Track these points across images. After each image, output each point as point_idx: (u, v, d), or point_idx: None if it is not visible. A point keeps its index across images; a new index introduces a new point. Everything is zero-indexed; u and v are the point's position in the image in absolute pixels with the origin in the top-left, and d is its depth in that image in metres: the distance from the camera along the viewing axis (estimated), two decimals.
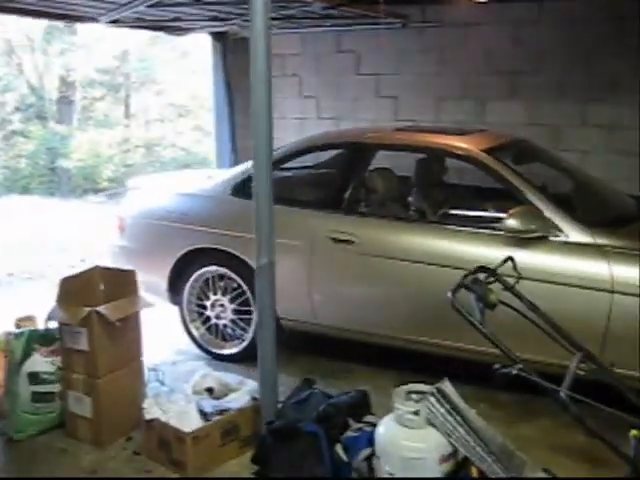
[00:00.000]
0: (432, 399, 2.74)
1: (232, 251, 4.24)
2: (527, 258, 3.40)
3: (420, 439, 2.74)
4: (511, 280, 2.84)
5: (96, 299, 3.54)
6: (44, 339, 3.48)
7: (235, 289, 4.34)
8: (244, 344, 4.35)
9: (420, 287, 3.72)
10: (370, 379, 3.98)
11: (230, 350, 4.41)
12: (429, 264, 3.66)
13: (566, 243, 3.44)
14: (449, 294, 2.63)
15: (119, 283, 3.58)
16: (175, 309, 4.61)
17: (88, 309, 3.28)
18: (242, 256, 4.17)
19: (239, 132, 7.06)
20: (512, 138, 4.36)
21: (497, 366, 2.48)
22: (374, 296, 3.90)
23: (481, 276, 2.77)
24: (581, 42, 5.53)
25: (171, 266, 4.45)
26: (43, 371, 3.44)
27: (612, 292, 3.27)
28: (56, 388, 3.46)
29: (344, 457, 2.94)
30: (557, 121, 5.75)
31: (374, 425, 2.96)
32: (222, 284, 4.40)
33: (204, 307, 4.48)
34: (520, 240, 3.47)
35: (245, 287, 4.25)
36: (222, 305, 4.42)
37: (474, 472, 2.73)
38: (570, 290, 3.36)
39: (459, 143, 3.91)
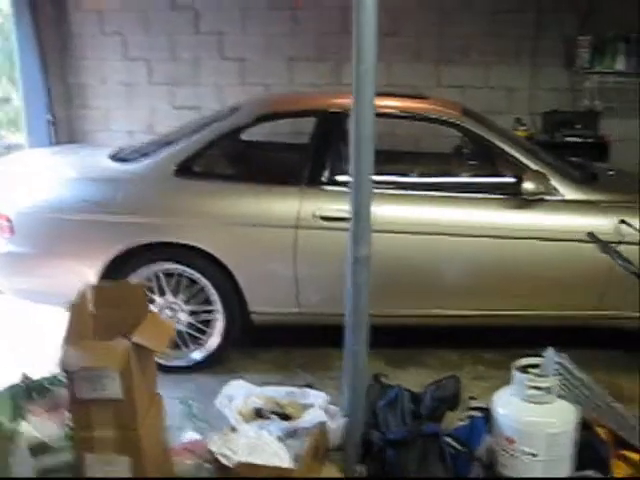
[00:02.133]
0: (562, 370, 2.68)
1: (189, 242, 3.56)
2: (534, 219, 3.50)
3: (557, 413, 2.66)
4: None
5: (87, 329, 2.67)
6: (35, 393, 2.54)
7: (188, 286, 3.67)
8: (207, 350, 3.72)
9: (432, 257, 3.57)
10: None
11: (187, 360, 3.72)
12: (441, 234, 3.52)
13: (566, 201, 3.58)
14: None
15: (117, 300, 2.75)
16: None
17: (125, 342, 2.46)
18: (201, 246, 3.53)
19: (57, 101, 5.87)
20: (461, 105, 4.35)
21: None
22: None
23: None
24: (435, 6, 5.75)
25: (99, 270, 3.57)
26: (50, 438, 2.51)
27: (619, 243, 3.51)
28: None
29: (460, 449, 2.73)
30: (414, 82, 5.91)
31: (483, 410, 2.79)
32: (170, 283, 3.67)
33: None
34: (520, 202, 3.53)
35: (205, 282, 3.61)
36: (173, 308, 3.70)
37: (601, 433, 2.75)
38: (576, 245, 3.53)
39: (447, 109, 3.80)
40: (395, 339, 3.88)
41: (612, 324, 3.71)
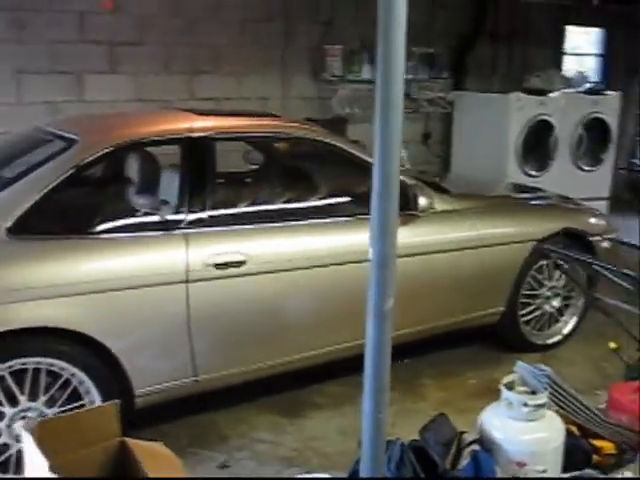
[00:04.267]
0: (550, 383, 2.68)
1: (50, 324, 2.61)
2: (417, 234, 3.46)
3: (551, 424, 2.65)
4: None
5: None
6: None
7: (49, 383, 2.69)
8: None
9: (329, 290, 3.23)
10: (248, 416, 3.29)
11: None
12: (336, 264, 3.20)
13: (437, 213, 3.56)
14: None
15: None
16: None
17: None
18: (69, 327, 2.64)
19: None
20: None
21: None
22: (275, 319, 3.13)
23: None
24: (183, 13, 5.24)
25: None
26: None
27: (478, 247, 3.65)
28: None
29: None
30: (166, 95, 5.32)
31: (476, 442, 2.64)
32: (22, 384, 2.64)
33: None
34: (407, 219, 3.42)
35: (74, 371, 2.67)
36: (30, 416, 2.66)
37: (574, 430, 2.83)
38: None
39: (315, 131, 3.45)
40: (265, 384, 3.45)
41: (472, 324, 3.86)
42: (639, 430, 2.93)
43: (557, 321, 4.12)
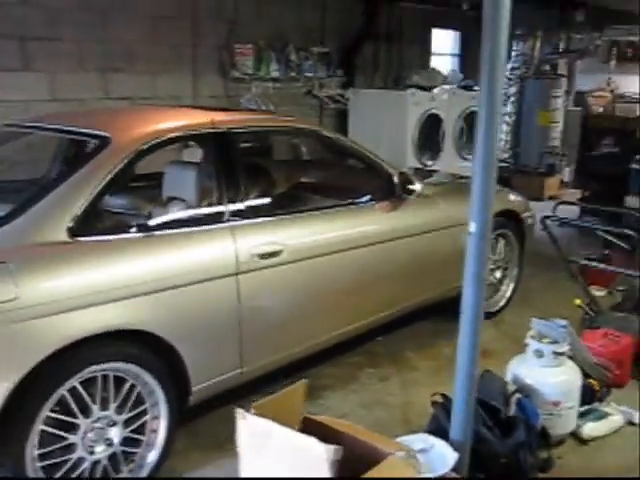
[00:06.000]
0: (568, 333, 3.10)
1: (124, 327, 2.52)
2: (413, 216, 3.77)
3: (572, 368, 3.09)
4: None
5: None
6: None
7: (119, 390, 2.58)
8: (148, 466, 2.70)
9: (357, 271, 3.43)
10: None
11: None
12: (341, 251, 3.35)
13: (420, 196, 3.85)
14: None
15: None
16: None
17: None
18: (140, 327, 2.56)
19: None
20: None
21: None
22: (312, 303, 3.24)
23: None
24: (96, 6, 5.00)
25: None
26: None
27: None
28: None
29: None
30: (81, 94, 5.05)
31: (517, 391, 2.99)
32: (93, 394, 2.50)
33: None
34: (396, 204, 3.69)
35: (140, 374, 2.60)
36: (97, 427, 2.53)
37: (594, 384, 3.29)
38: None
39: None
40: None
41: (443, 297, 4.23)
42: (613, 370, 3.50)
43: (498, 290, 4.63)
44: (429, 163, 6.47)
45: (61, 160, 3.64)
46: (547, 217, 3.97)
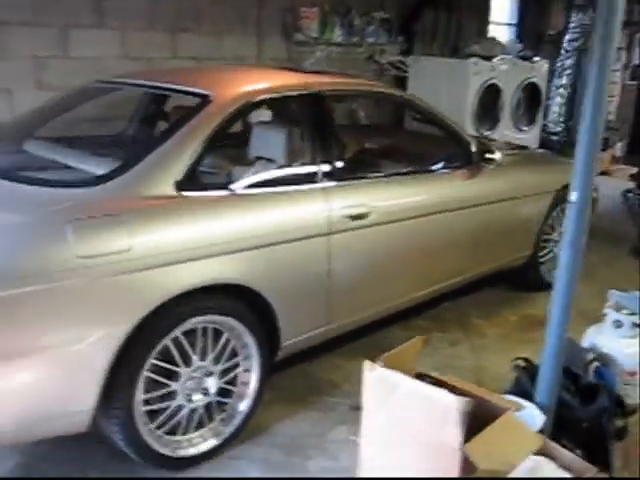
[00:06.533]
0: None
1: (228, 281, 2.61)
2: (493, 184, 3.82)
3: None
4: None
5: None
6: None
7: (216, 343, 2.67)
8: (238, 418, 2.81)
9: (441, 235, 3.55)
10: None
11: (202, 445, 2.70)
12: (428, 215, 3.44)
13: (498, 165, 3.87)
14: None
15: None
16: None
17: None
18: (240, 282, 2.65)
19: None
20: None
21: None
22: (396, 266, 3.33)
23: None
24: None
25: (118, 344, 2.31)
26: None
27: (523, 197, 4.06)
28: None
29: None
30: (150, 53, 5.10)
31: (595, 360, 3.03)
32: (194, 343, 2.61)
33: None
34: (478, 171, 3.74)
35: (236, 327, 2.69)
36: (195, 376, 2.63)
37: None
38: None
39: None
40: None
41: (510, 266, 4.27)
42: None
43: None
44: (486, 134, 6.44)
45: (145, 116, 3.72)
46: (628, 191, 3.96)
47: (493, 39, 7.12)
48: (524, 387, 2.80)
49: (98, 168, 2.61)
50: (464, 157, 3.70)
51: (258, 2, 5.63)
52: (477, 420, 1.86)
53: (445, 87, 6.31)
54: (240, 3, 5.52)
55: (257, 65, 4.09)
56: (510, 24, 8.42)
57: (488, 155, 3.74)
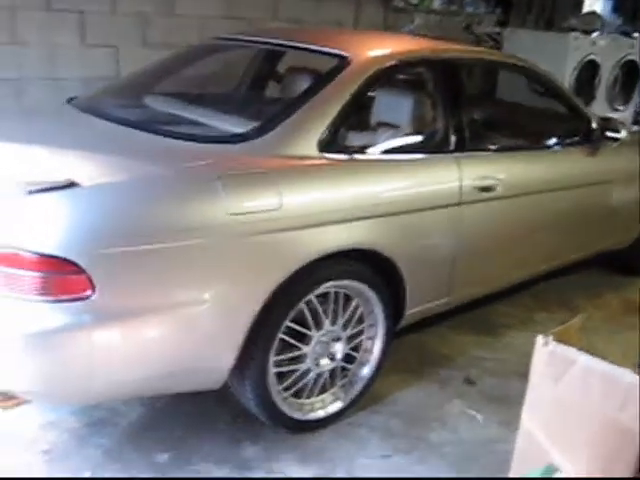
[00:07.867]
0: None
1: (366, 246, 2.58)
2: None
3: None
4: None
5: None
6: None
7: (345, 308, 2.65)
8: (359, 384, 2.79)
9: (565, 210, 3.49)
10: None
11: (326, 409, 2.71)
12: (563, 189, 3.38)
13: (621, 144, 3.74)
14: None
15: None
16: None
17: None
18: (375, 248, 2.61)
19: None
20: None
21: None
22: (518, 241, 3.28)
23: None
24: None
25: (260, 305, 2.30)
26: None
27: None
28: None
29: None
30: (252, 14, 5.05)
31: None
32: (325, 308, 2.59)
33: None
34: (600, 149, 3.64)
35: (365, 292, 2.66)
36: (324, 341, 2.62)
37: None
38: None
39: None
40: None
41: (615, 247, 4.15)
42: None
43: None
44: None
45: (260, 76, 3.71)
46: None
47: (593, 12, 6.85)
48: None
49: (234, 126, 2.59)
50: (587, 134, 3.58)
51: None
52: None
53: (541, 61, 6.07)
54: None
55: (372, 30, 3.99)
56: None
57: (611, 134, 3.60)
